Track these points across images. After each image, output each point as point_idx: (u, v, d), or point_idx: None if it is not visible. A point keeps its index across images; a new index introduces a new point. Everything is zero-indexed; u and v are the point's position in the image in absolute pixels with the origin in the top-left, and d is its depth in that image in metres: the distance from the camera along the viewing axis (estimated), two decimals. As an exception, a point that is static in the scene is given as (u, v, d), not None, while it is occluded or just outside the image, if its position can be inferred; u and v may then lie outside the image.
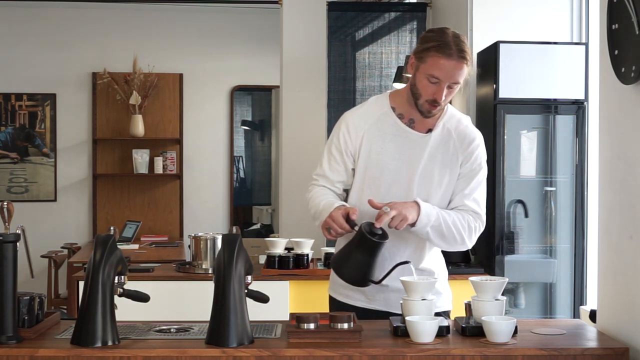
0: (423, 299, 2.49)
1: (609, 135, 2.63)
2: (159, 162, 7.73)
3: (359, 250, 2.60)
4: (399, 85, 5.07)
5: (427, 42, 2.63)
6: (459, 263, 4.24)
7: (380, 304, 2.82)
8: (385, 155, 2.76)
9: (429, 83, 2.63)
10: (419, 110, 2.71)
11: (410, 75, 2.74)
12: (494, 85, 4.06)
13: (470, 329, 2.47)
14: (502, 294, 2.53)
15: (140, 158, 7.70)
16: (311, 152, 5.68)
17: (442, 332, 2.45)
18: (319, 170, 2.89)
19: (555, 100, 4.09)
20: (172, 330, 2.53)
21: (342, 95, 5.63)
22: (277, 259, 4.10)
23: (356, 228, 2.62)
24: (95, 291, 2.32)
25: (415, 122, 2.77)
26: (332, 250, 4.00)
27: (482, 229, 2.79)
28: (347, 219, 2.63)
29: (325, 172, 2.86)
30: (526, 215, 4.11)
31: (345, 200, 2.87)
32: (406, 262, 2.64)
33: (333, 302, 2.92)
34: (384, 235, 2.60)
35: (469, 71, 2.66)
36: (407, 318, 2.42)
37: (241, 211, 8.53)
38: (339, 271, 2.67)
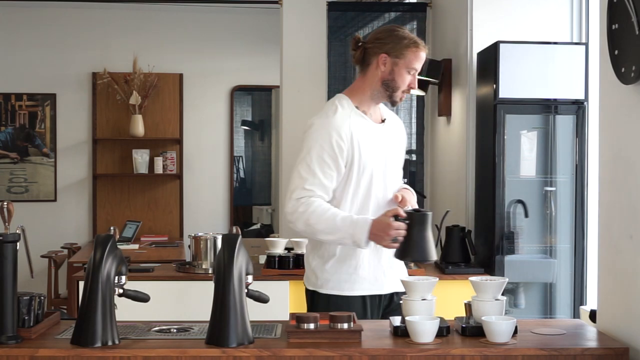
0: (423, 299, 2.50)
1: (609, 135, 2.63)
2: (159, 162, 7.73)
3: (425, 229, 2.77)
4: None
5: (399, 41, 2.89)
6: (459, 263, 4.24)
7: (390, 286, 2.95)
8: (370, 153, 2.92)
9: (408, 75, 2.92)
10: (392, 100, 2.98)
11: (375, 72, 2.93)
12: (494, 85, 4.06)
13: (470, 329, 2.47)
14: (502, 294, 2.53)
15: (140, 158, 7.70)
16: (311, 152, 5.68)
17: (442, 332, 2.45)
18: (311, 180, 2.85)
19: (555, 100, 4.09)
20: (172, 330, 2.53)
21: (342, 95, 5.63)
22: (277, 259, 4.09)
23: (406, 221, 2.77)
24: (95, 291, 2.32)
25: (372, 116, 3.00)
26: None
27: None
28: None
29: (321, 181, 2.86)
30: (526, 215, 4.11)
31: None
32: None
33: (333, 298, 2.92)
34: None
35: None
36: (407, 318, 2.42)
37: (241, 211, 8.53)
38: (424, 255, 2.79)
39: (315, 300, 2.98)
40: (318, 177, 2.85)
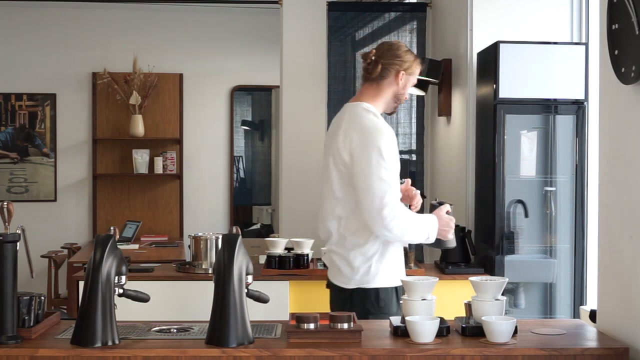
0: (423, 299, 2.50)
1: (609, 135, 2.63)
2: (159, 162, 7.73)
3: None
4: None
5: (410, 59, 3.19)
6: (459, 263, 4.24)
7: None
8: None
9: (410, 88, 3.28)
10: (393, 111, 3.29)
11: (391, 85, 3.20)
12: (494, 85, 4.06)
13: (470, 329, 2.47)
14: (502, 294, 2.53)
15: (140, 158, 7.70)
16: (311, 152, 5.69)
17: (442, 332, 2.45)
18: (395, 183, 3.01)
19: (555, 100, 4.09)
20: (172, 330, 2.53)
21: (342, 95, 5.62)
22: (277, 259, 4.09)
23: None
24: (95, 291, 2.33)
25: None
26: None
27: None
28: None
29: (398, 182, 3.05)
30: (526, 215, 4.11)
31: None
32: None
33: (382, 291, 3.10)
34: None
35: None
36: (407, 318, 2.42)
37: (241, 211, 8.53)
38: (455, 242, 3.24)
39: (357, 296, 3.09)
40: (396, 180, 3.04)
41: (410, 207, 3.24)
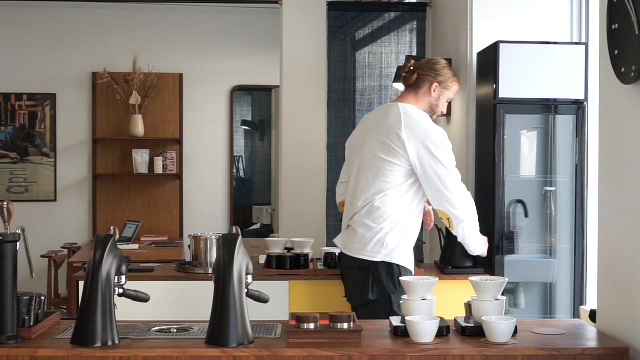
0: (423, 299, 2.50)
1: (609, 135, 2.63)
2: (159, 162, 7.73)
3: None
4: (398, 86, 5.06)
5: (447, 74, 3.52)
6: (459, 263, 4.23)
7: None
8: None
9: (446, 103, 3.59)
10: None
11: (426, 95, 3.54)
12: (494, 85, 4.06)
13: (470, 329, 2.47)
14: (502, 294, 2.53)
15: (140, 158, 7.70)
16: (311, 152, 5.69)
17: (442, 332, 2.45)
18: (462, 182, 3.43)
19: (555, 100, 4.09)
20: (172, 330, 2.53)
21: (342, 95, 5.62)
22: (276, 259, 4.09)
23: None
24: (95, 291, 2.33)
25: None
26: (331, 250, 4.01)
27: None
28: None
29: None
30: (526, 215, 4.11)
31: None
32: None
33: (402, 268, 3.42)
34: None
35: None
36: (407, 318, 2.42)
37: (241, 211, 8.53)
38: None
39: (382, 270, 3.36)
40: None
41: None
